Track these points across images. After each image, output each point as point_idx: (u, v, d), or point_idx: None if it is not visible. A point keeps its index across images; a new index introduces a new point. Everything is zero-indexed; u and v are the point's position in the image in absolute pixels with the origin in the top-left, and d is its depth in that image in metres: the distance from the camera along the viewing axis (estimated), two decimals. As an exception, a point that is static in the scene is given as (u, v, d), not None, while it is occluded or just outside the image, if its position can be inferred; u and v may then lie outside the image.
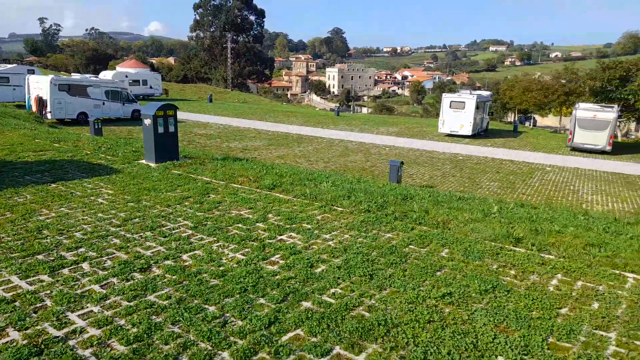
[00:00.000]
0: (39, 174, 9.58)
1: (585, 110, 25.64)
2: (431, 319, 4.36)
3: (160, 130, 11.16)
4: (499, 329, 4.22)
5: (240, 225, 6.97)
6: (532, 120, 61.19)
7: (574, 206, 13.43)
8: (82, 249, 5.75)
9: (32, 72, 32.36)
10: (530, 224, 7.38)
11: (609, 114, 25.02)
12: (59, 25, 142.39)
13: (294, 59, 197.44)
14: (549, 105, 46.37)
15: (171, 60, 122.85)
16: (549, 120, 62.31)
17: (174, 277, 5.09)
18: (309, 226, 7.04)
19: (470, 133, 28.18)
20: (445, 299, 4.77)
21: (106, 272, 5.12)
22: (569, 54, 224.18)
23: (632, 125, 47.62)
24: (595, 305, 4.77)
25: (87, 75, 38.02)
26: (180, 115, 22.87)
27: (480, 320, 4.34)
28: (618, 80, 35.81)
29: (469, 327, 4.23)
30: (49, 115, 24.11)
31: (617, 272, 5.60)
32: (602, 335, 4.20)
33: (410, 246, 6.33)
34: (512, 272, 5.55)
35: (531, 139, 30.61)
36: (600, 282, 5.31)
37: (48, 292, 4.63)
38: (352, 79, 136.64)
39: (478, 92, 33.40)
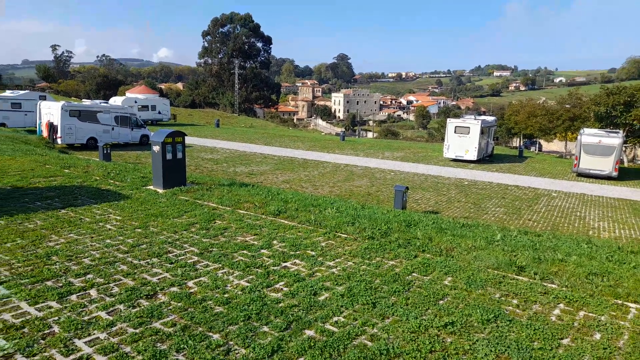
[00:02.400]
0: (49, 199, 9.77)
1: (590, 135, 25.73)
2: (433, 349, 4.39)
3: (169, 156, 11.38)
4: None
5: (245, 251, 7.06)
6: (537, 145, 61.27)
7: (580, 233, 13.39)
8: (90, 275, 5.85)
9: (43, 98, 33.14)
10: (533, 252, 7.41)
11: (615, 139, 25.08)
12: (71, 52, 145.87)
13: (300, 84, 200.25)
14: (554, 130, 46.58)
15: (180, 85, 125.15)
16: (555, 145, 62.36)
17: (179, 304, 5.17)
18: (313, 253, 7.12)
19: (475, 158, 28.29)
20: (448, 328, 4.81)
21: (113, 299, 5.21)
22: (573, 79, 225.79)
23: (639, 151, 47.52)
24: (597, 336, 4.77)
25: (97, 101, 38.91)
26: (188, 140, 23.30)
27: (482, 351, 4.37)
28: (622, 106, 36.02)
29: (470, 358, 4.25)
30: (59, 141, 24.57)
31: (620, 302, 5.61)
32: (604, 366, 4.20)
33: (413, 274, 6.37)
34: (515, 301, 5.57)
35: (537, 164, 30.64)
36: (603, 312, 5.32)
37: (56, 318, 4.72)
38: (357, 103, 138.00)
39: (483, 117, 33.68)
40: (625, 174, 27.25)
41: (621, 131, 28.19)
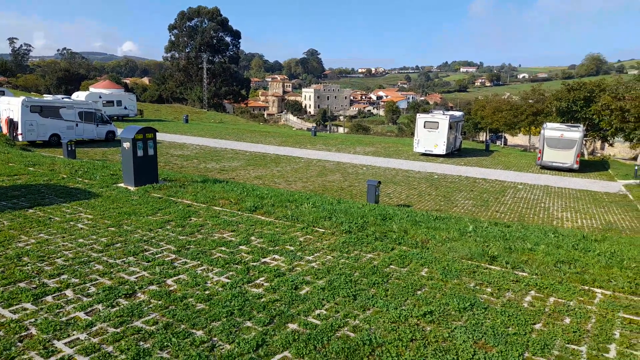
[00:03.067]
0: (14, 199, 9.42)
1: (552, 129, 26.76)
2: (414, 338, 4.52)
3: (140, 153, 11.16)
4: (478, 346, 4.41)
5: (223, 248, 7.03)
6: (502, 139, 63.13)
7: (545, 223, 13.94)
8: (65, 276, 5.70)
9: (2, 93, 31.77)
10: (504, 242, 7.69)
11: (575, 133, 26.16)
12: (30, 46, 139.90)
13: (270, 79, 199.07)
14: (519, 124, 48.08)
15: (146, 80, 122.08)
16: (519, 139, 64.42)
17: (159, 302, 5.12)
18: (292, 248, 7.16)
19: (444, 152, 28.93)
20: (427, 317, 4.95)
21: (91, 299, 5.11)
22: (535, 75, 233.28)
23: (598, 144, 49.68)
24: (567, 320, 5.03)
25: (59, 96, 37.47)
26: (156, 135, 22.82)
27: (460, 338, 4.53)
28: (582, 101, 37.56)
29: (449, 345, 4.41)
30: (20, 138, 23.61)
31: (586, 287, 5.91)
32: (574, 349, 4.44)
33: (391, 266, 6.51)
34: (489, 289, 5.79)
35: (503, 158, 31.60)
36: (571, 297, 5.60)
37: (32, 320, 4.59)
38: (328, 99, 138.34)
39: (451, 112, 34.44)
40: (585, 167, 28.48)
41: (581, 125, 29.40)
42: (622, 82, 36.98)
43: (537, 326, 4.86)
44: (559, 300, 5.54)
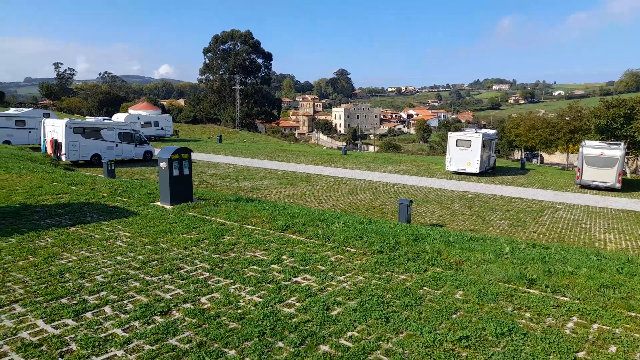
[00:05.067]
0: (58, 217, 9.83)
1: (592, 147, 25.84)
2: (449, 363, 4.39)
3: (175, 173, 11.47)
4: (517, 373, 4.24)
5: (255, 267, 7.08)
6: (539, 158, 61.43)
7: (586, 245, 13.38)
8: (104, 292, 5.88)
9: (47, 115, 33.43)
10: (543, 264, 7.42)
11: (616, 151, 25.17)
12: (73, 70, 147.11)
13: (301, 99, 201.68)
14: (555, 142, 46.75)
15: (181, 101, 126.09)
16: (556, 157, 62.50)
17: (193, 320, 5.19)
18: (323, 268, 7.14)
19: (477, 171, 28.37)
20: (462, 342, 4.81)
21: (128, 316, 5.23)
22: (571, 92, 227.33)
23: (640, 162, 47.58)
24: (613, 348, 4.78)
25: (101, 118, 39.18)
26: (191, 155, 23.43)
27: (498, 364, 4.37)
28: (623, 118, 36.23)
29: (487, 371, 4.26)
30: (63, 158, 24.72)
31: (633, 314, 5.61)
32: (621, 379, 4.20)
33: (425, 288, 6.39)
34: (528, 314, 5.58)
35: (539, 177, 30.69)
36: (617, 324, 5.32)
37: (73, 335, 4.74)
38: (358, 117, 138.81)
39: (484, 130, 33.88)
40: (628, 186, 27.28)
41: (622, 143, 28.30)
42: (665, 97, 35.58)
43: (581, 354, 4.63)
44: (604, 327, 5.28)
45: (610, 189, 25.06)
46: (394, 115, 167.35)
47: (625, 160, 34.11)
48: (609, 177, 24.96)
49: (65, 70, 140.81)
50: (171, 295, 5.88)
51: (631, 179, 34.08)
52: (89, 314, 5.26)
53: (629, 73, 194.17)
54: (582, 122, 44.41)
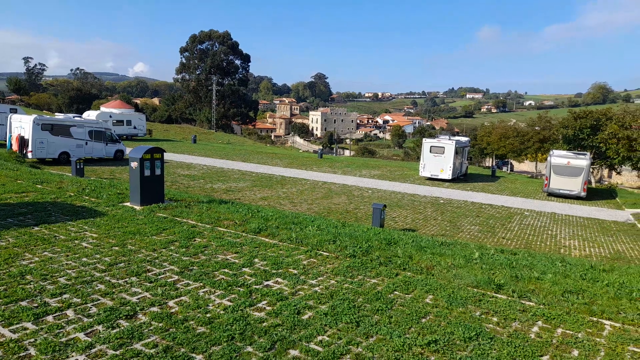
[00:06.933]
0: (21, 216, 9.47)
1: (559, 157, 26.68)
2: (418, 367, 4.41)
3: (147, 173, 11.23)
4: (483, 377, 4.30)
5: (226, 270, 6.98)
6: (509, 166, 63.00)
7: (552, 251, 13.75)
8: (67, 295, 5.68)
9: (14, 110, 32.23)
10: (511, 270, 7.58)
11: (582, 161, 26.06)
12: (44, 65, 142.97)
13: (278, 102, 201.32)
14: (525, 151, 48.05)
15: (156, 100, 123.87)
16: (526, 166, 64.22)
17: (160, 324, 5.06)
18: (295, 271, 7.10)
19: (450, 177, 28.87)
20: (431, 346, 4.85)
21: (91, 320, 5.06)
22: (541, 102, 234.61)
23: (605, 172, 49.38)
24: (575, 352, 4.90)
25: (71, 115, 38.05)
26: (164, 155, 23.04)
27: (465, 368, 4.42)
28: (589, 129, 37.52)
29: (454, 375, 4.30)
30: (29, 155, 23.87)
31: (595, 319, 5.78)
32: (582, 382, 4.31)
33: (395, 292, 6.42)
34: (495, 319, 5.68)
35: (509, 184, 31.45)
36: (579, 329, 5.47)
37: (32, 340, 4.55)
38: (334, 122, 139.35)
39: (457, 137, 34.51)
40: (593, 194, 28.24)
41: (588, 153, 29.30)
42: (628, 110, 37.01)
43: (544, 358, 4.74)
44: (567, 331, 5.42)
45: (576, 197, 25.90)
46: (370, 121, 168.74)
47: (591, 170, 35.34)
48: (575, 185, 25.81)
49: (36, 65, 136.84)
50: (138, 299, 5.72)
51: (596, 187, 35.31)
52: (50, 318, 5.06)
53: (596, 86, 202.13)
54: (551, 132, 45.79)
